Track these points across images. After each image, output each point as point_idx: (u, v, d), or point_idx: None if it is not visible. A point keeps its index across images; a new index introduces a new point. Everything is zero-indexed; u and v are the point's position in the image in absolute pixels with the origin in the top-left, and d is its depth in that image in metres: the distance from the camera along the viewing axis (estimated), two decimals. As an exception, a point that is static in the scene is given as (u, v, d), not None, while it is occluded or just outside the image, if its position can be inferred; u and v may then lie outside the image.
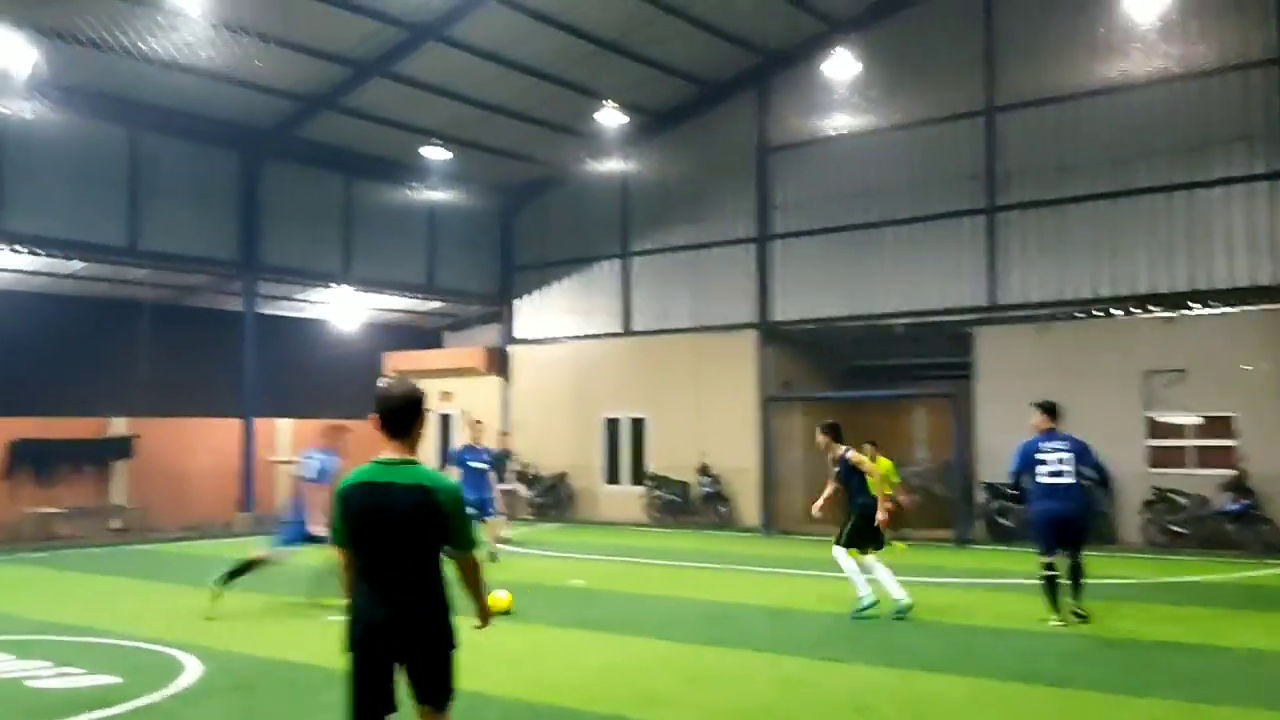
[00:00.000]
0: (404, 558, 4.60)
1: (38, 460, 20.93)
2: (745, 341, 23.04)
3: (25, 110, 17.74)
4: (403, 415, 4.74)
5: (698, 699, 7.76)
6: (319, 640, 10.00)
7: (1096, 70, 19.41)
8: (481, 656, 9.23)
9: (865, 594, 11.09)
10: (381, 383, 4.93)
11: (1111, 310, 19.36)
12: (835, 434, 11.73)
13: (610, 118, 22.07)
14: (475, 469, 14.97)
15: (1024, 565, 15.56)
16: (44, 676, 8.40)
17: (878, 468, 13.66)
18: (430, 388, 27.72)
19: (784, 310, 22.80)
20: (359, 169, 23.91)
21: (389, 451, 4.72)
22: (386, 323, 28.11)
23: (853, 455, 11.62)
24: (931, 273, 21.00)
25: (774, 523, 21.32)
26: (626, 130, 23.06)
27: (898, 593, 11.07)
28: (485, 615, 5.01)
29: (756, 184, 23.19)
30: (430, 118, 22.16)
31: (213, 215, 21.76)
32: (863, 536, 11.34)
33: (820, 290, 22.32)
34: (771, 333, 22.92)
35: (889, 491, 13.95)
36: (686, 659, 9.23)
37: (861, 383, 24.60)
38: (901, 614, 10.97)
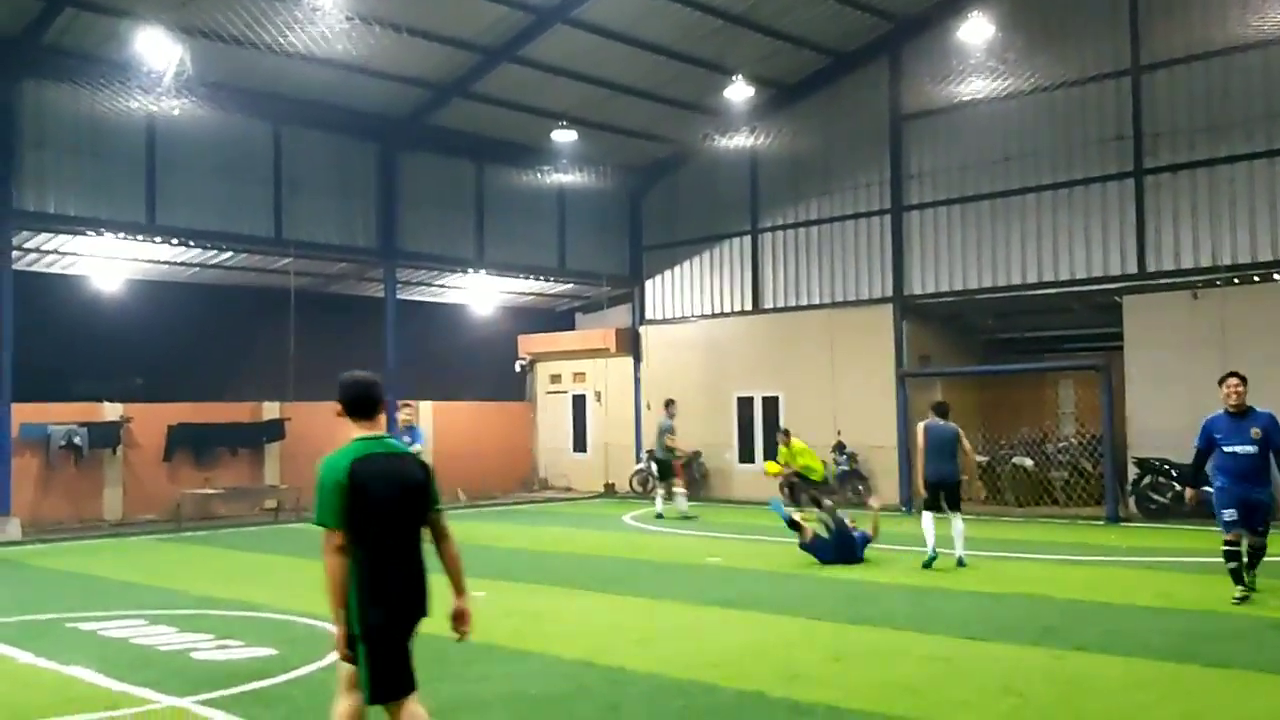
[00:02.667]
0: (417, 530, 4.70)
1: (195, 443, 21.93)
2: (881, 316, 22.61)
3: (175, 108, 18.50)
4: (375, 398, 5.08)
5: (841, 677, 7.65)
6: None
7: (1247, 22, 18.31)
8: (622, 634, 9.33)
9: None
10: (345, 375, 5.25)
11: (1272, 275, 18.33)
12: (941, 413, 13.38)
13: (738, 92, 21.84)
14: None
15: (1177, 543, 14.94)
16: (206, 649, 8.79)
17: (792, 451, 15.43)
18: (564, 369, 28.06)
19: (921, 283, 22.27)
20: (490, 154, 24.27)
21: (362, 431, 4.87)
22: (519, 305, 28.49)
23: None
24: (1077, 240, 20.22)
25: (915, 500, 20.92)
26: (755, 104, 22.80)
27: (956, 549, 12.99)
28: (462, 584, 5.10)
29: (890, 154, 22.66)
30: (558, 100, 22.32)
31: (353, 204, 22.41)
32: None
33: (958, 261, 21.73)
34: (908, 307, 22.43)
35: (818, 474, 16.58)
36: (828, 637, 9.12)
37: (1004, 356, 23.90)
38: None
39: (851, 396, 22.86)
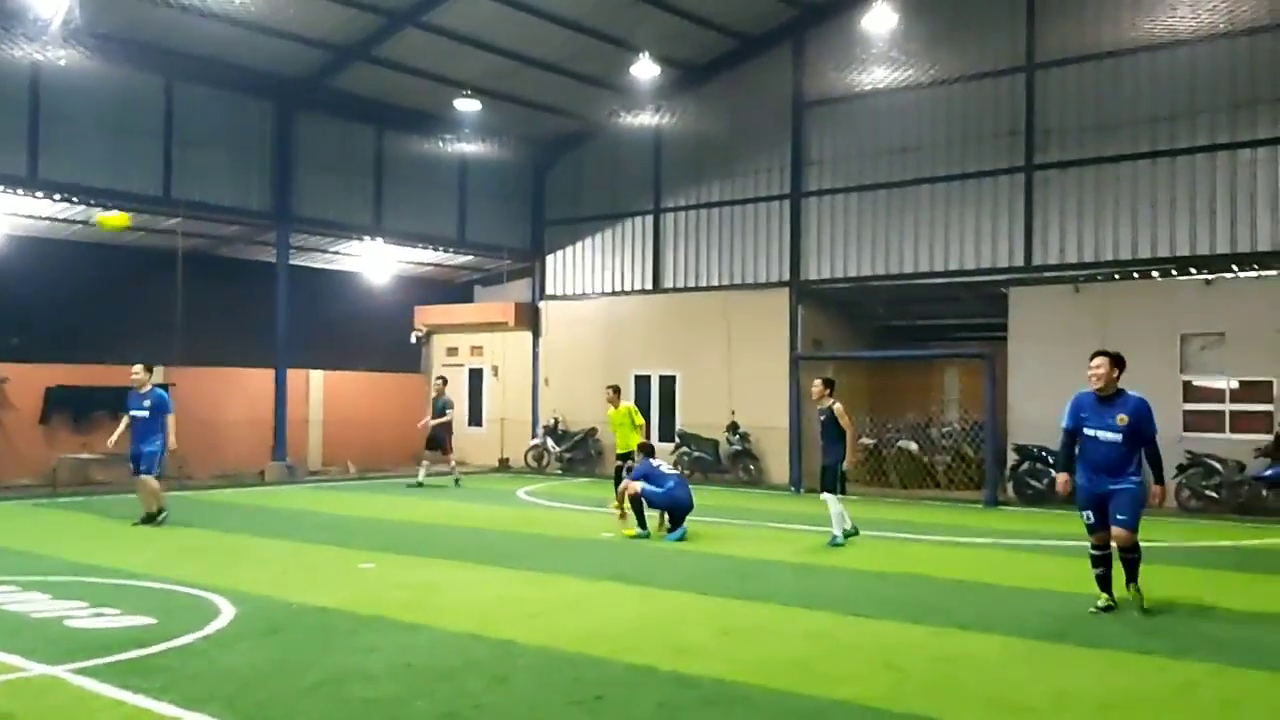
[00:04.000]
0: None
1: (75, 407, 21.18)
2: (777, 299, 22.92)
3: (61, 58, 17.75)
4: None
5: (728, 651, 7.77)
6: (347, 587, 10.11)
7: (1140, 26, 19.02)
8: (512, 607, 9.32)
9: (839, 532, 13.24)
10: None
11: (1151, 272, 19.08)
12: (831, 387, 13.69)
13: (645, 70, 21.85)
14: None
15: (1053, 527, 15.53)
16: (81, 616, 8.52)
17: (619, 414, 15.66)
18: (461, 342, 27.90)
19: (817, 268, 22.64)
20: (391, 121, 23.86)
21: None
22: (418, 276, 28.13)
23: (838, 407, 13.36)
24: (968, 232, 20.77)
25: (803, 481, 21.30)
26: (661, 84, 22.83)
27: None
28: None
29: (791, 140, 22.94)
30: (463, 69, 22.03)
31: (246, 165, 21.84)
32: (842, 480, 13.42)
33: (853, 248, 22.14)
34: (803, 291, 22.78)
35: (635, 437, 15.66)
36: (717, 612, 9.25)
37: (894, 342, 24.46)
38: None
39: (746, 377, 23.16)
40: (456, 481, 21.55)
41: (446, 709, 6.21)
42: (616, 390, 16.49)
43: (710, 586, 10.39)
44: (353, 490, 20.48)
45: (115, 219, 13.82)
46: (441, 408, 21.79)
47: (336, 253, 25.81)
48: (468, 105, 22.83)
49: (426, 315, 28.01)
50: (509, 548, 13.02)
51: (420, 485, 21.08)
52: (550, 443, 25.34)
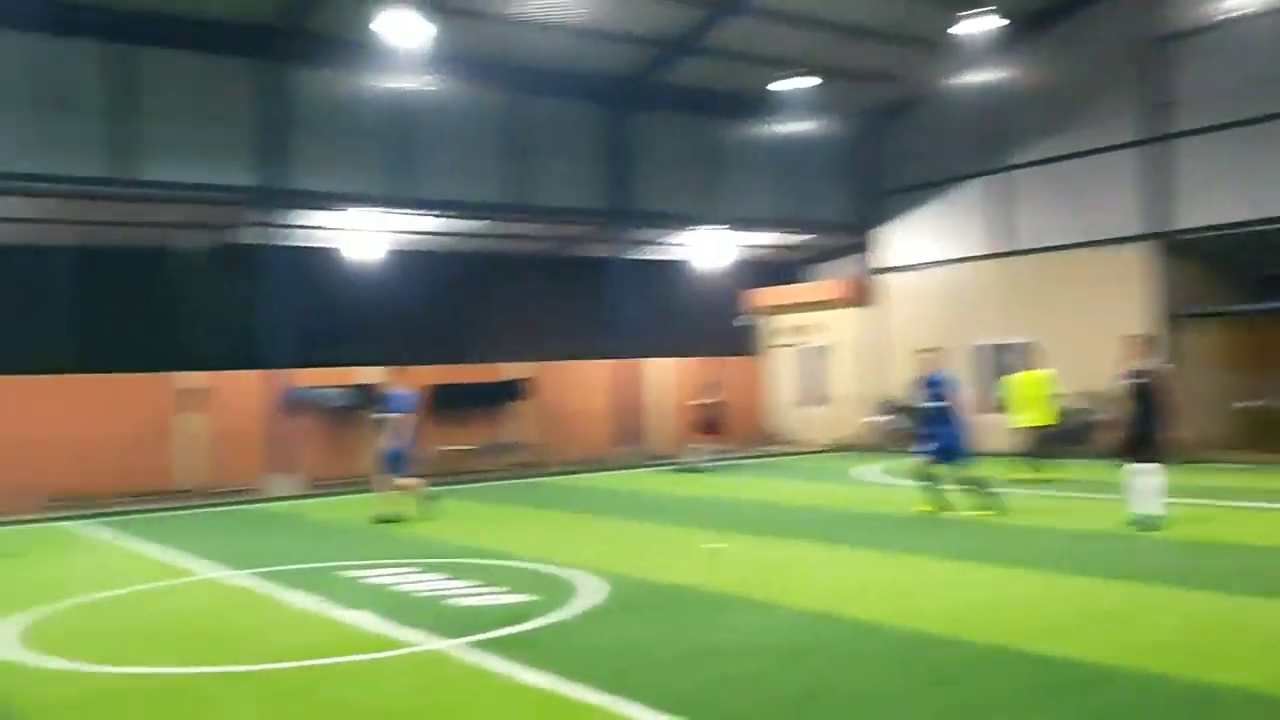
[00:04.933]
0: None
1: (448, 403, 23.13)
2: (1138, 255, 21.23)
3: (421, 85, 19.37)
4: None
5: (1095, 632, 7.31)
6: (701, 567, 10.39)
7: None
8: (864, 587, 9.24)
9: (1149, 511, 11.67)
10: None
11: None
12: (1151, 346, 12.53)
13: (977, 25, 20.81)
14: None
15: None
16: (466, 595, 9.29)
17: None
18: (796, 322, 27.68)
19: (1185, 217, 20.73)
20: (719, 108, 24.23)
21: None
22: (751, 259, 28.39)
23: (1163, 368, 12.29)
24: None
25: (1178, 450, 19.61)
26: (995, 38, 21.69)
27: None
28: None
29: (1148, 80, 21.13)
30: (787, 48, 21.98)
31: (586, 167, 22.94)
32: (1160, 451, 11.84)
33: (1227, 193, 20.08)
34: (1169, 243, 20.95)
35: None
36: (1080, 591, 8.73)
37: (1274, 294, 22.00)
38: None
39: (1105, 341, 21.59)
40: (705, 468, 21.20)
41: (806, 687, 6.25)
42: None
43: (1071, 565, 9.81)
44: (695, 473, 21.00)
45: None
46: (714, 390, 21.77)
47: (671, 243, 26.56)
48: (794, 84, 22.75)
49: (759, 297, 28.24)
50: (855, 527, 12.90)
51: (696, 470, 21.12)
52: (892, 418, 24.84)
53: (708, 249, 26.76)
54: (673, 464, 22.20)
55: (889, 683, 6.34)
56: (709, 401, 21.65)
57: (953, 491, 13.24)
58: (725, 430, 22.05)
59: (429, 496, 15.09)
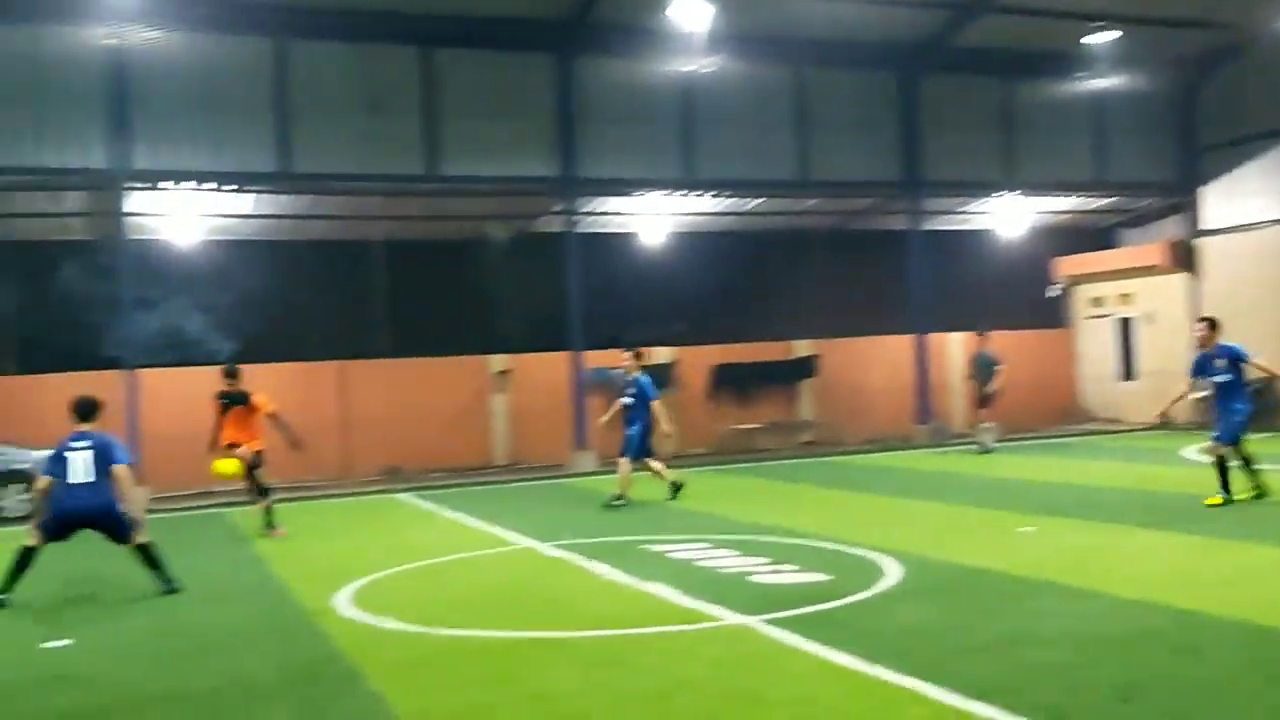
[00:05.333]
0: None
1: (735, 382, 23.32)
2: None
3: (706, 66, 19.55)
4: None
5: None
6: (1007, 550, 9.95)
7: None
8: (1190, 575, 8.55)
9: None
10: None
11: None
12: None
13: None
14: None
15: None
16: (763, 572, 9.33)
17: None
18: (1107, 291, 25.95)
19: None
20: (1017, 68, 23.02)
21: None
22: (1054, 226, 26.86)
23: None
24: None
25: None
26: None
27: None
28: None
29: None
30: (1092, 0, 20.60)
31: (874, 139, 22.42)
32: None
33: None
34: None
35: None
36: None
37: None
38: None
39: None
40: (991, 448, 19.85)
41: (1128, 678, 5.85)
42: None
43: None
44: (996, 452, 20.15)
45: (225, 465, 13.61)
46: (986, 365, 20.01)
47: (966, 213, 25.56)
48: (1101, 37, 21.26)
49: (1066, 266, 26.65)
50: (1176, 511, 11.96)
51: (986, 450, 19.79)
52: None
53: (1008, 217, 25.53)
54: (968, 443, 21.38)
55: (1218, 677, 5.84)
56: (985, 377, 20.11)
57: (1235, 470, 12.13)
58: (998, 407, 20.49)
59: (672, 480, 15.04)
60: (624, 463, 14.70)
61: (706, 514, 13.46)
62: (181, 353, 28.25)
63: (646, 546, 10.93)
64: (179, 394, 19.83)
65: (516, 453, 21.62)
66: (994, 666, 6.20)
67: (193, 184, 18.62)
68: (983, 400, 20.16)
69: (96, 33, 17.08)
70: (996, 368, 19.86)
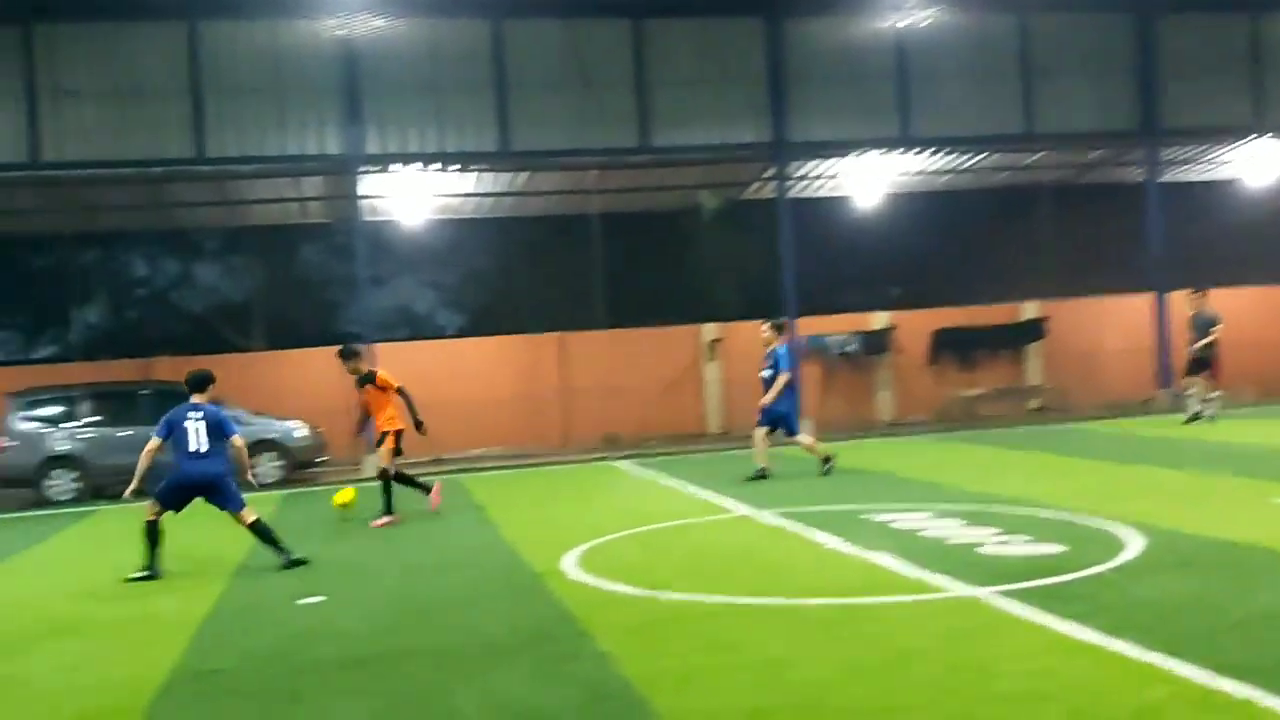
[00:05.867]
0: None
1: (957, 347, 22.59)
2: None
3: (924, 18, 18.90)
4: None
5: None
6: (1260, 522, 9.26)
7: None
8: None
9: None
10: None
11: None
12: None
13: None
14: None
15: None
16: (993, 543, 9.01)
17: None
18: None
19: None
20: (1267, 0, 21.24)
21: None
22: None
23: None
24: None
25: None
26: None
27: None
28: None
29: None
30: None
31: (1106, 85, 21.21)
32: None
33: None
34: None
35: None
36: None
37: None
38: None
39: None
40: (1208, 416, 17.75)
41: None
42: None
43: None
44: (1250, 417, 18.75)
45: (341, 496, 13.28)
46: (1204, 325, 17.99)
47: (1210, 161, 23.81)
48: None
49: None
50: None
51: (1197, 418, 17.88)
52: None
53: (1257, 164, 23.65)
54: (1209, 410, 19.93)
55: None
56: (1202, 341, 18.07)
57: None
58: (1218, 373, 18.48)
59: (826, 455, 14.52)
60: (803, 438, 14.45)
61: (930, 483, 13.12)
62: (412, 327, 29.70)
63: (868, 516, 10.75)
64: (411, 367, 20.82)
65: (730, 421, 21.69)
66: (1248, 645, 5.79)
67: (419, 165, 19.42)
68: (1194, 365, 18.24)
69: (328, 24, 18.07)
70: (1214, 329, 18.00)
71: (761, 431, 14.34)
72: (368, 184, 19.92)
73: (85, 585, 9.65)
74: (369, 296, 20.81)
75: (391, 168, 19.44)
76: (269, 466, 17.49)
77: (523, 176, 21.20)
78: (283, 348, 22.69)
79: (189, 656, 6.82)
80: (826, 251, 22.70)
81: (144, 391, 18.15)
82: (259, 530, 9.79)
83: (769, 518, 11.04)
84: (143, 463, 9.73)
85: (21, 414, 17.68)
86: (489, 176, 21.00)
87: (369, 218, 21.33)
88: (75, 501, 17.07)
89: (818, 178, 22.47)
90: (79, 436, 17.57)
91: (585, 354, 21.54)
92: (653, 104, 19.65)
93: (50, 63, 18.24)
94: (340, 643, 7.02)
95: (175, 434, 9.68)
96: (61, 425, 17.71)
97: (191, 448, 9.59)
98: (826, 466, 14.21)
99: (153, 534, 9.64)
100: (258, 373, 21.04)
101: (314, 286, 31.60)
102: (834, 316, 22.40)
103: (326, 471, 18.58)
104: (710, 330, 21.87)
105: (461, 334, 28.34)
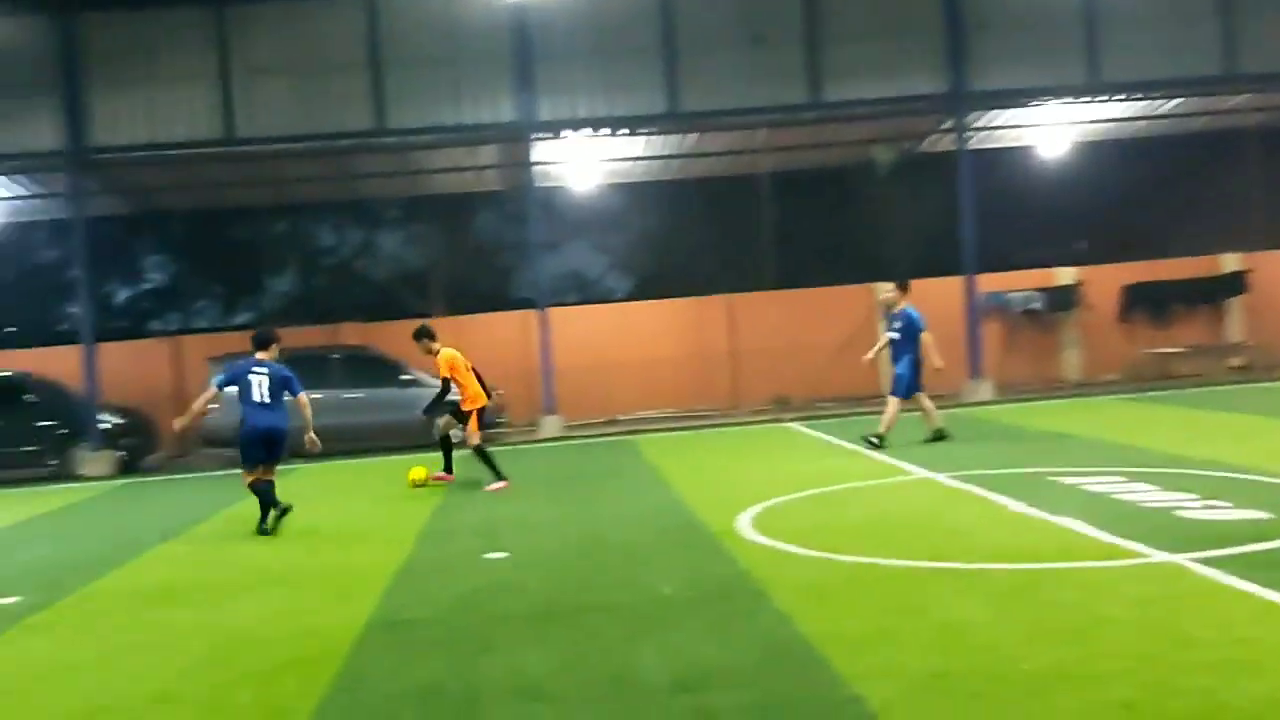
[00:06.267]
0: None
1: (1151, 302, 21.48)
2: None
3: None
4: None
5: None
6: None
7: None
8: None
9: None
10: None
11: None
12: None
13: None
14: None
15: None
16: (1192, 507, 8.57)
17: None
18: None
19: None
20: None
21: None
22: None
23: None
24: None
25: None
26: None
27: None
28: None
29: None
30: None
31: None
32: None
33: None
34: None
35: None
36: None
37: None
38: None
39: None
40: None
41: None
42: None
43: None
44: None
45: (414, 474, 12.97)
46: None
47: None
48: None
49: None
50: None
51: None
52: None
53: None
54: None
55: None
56: None
57: None
58: None
59: (938, 427, 13.91)
60: (893, 401, 13.91)
61: (1121, 445, 12.55)
62: (582, 291, 30.17)
63: (1056, 479, 10.37)
64: (583, 330, 21.19)
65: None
66: None
67: (589, 130, 19.58)
68: None
69: (500, -7, 18.33)
70: None
71: (921, 396, 13.99)
72: (540, 150, 20.22)
73: (286, 539, 10.21)
74: (541, 261, 21.17)
75: (562, 133, 19.66)
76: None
77: (691, 138, 21.14)
78: (460, 313, 23.36)
79: (384, 607, 7.14)
80: (1007, 205, 21.85)
81: (334, 356, 18.97)
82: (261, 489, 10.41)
83: (949, 480, 10.78)
84: (197, 404, 10.81)
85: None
86: (658, 139, 21.02)
87: (541, 184, 21.67)
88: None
89: (998, 128, 21.62)
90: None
91: (754, 315, 21.42)
92: (824, 58, 19.23)
93: (242, 42, 19.14)
94: (525, 597, 7.23)
95: (240, 386, 10.40)
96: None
97: (255, 398, 10.33)
98: (875, 439, 13.65)
99: (260, 490, 10.38)
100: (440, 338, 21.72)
101: (489, 252, 32.42)
102: (1016, 273, 21.61)
103: (507, 433, 19.09)
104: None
105: (630, 297, 28.61)
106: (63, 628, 7.36)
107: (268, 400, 10.34)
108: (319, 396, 16.55)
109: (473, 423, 12.48)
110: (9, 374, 18.90)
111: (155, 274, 36.54)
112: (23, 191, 21.27)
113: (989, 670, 5.18)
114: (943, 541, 8.07)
